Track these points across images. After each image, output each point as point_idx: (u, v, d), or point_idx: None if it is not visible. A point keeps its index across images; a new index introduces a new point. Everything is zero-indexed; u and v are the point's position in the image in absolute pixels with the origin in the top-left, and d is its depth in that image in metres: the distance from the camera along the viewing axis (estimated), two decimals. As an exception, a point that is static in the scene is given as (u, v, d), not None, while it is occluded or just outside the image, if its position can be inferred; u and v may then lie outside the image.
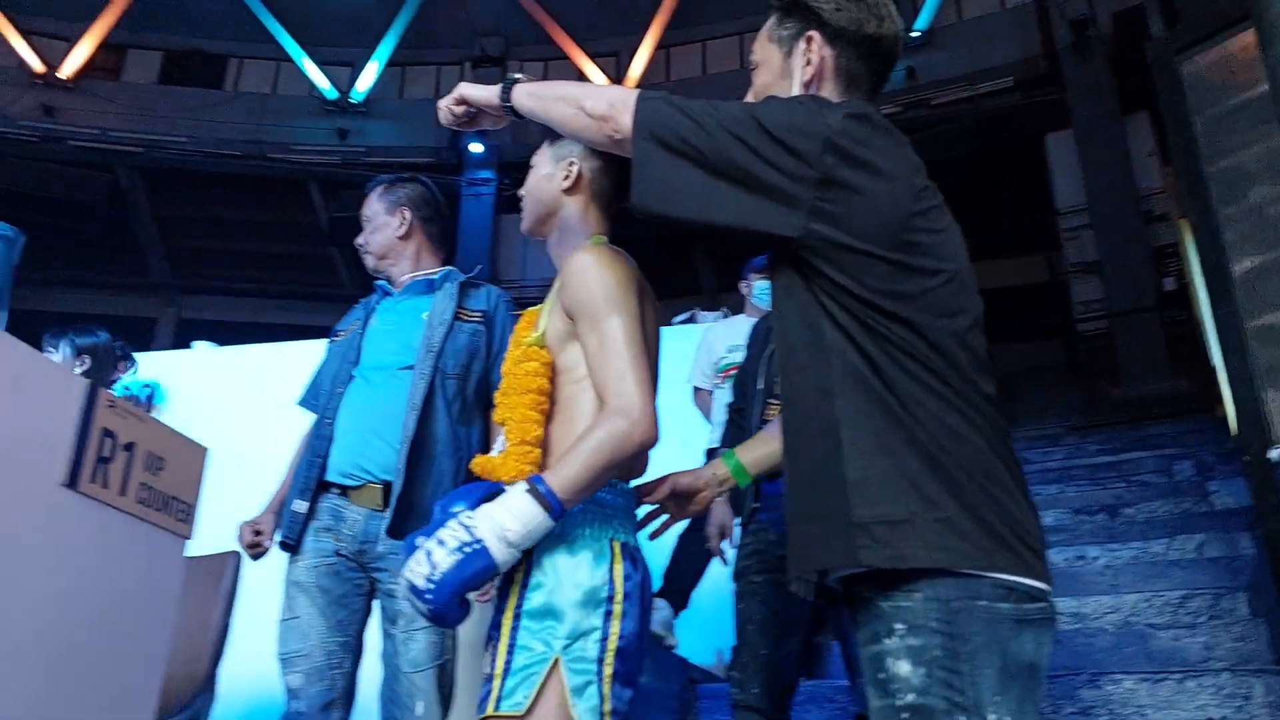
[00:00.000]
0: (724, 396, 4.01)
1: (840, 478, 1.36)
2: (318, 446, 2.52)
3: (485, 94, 1.76)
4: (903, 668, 1.31)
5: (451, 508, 1.55)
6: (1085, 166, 12.38)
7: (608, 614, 1.59)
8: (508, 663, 1.56)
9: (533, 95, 1.67)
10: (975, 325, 1.46)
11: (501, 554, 1.50)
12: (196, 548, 2.19)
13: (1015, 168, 13.60)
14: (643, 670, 3.38)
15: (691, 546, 4.04)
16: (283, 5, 15.58)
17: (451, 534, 1.50)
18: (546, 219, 1.95)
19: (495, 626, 1.63)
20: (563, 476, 1.53)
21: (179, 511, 1.92)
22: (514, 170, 15.02)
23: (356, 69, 15.86)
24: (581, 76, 15.70)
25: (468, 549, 1.48)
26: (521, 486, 1.53)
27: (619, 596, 1.61)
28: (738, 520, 3.03)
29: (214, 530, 2.57)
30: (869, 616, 1.37)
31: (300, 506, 2.48)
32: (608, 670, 1.57)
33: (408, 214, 2.70)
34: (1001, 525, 1.33)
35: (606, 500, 1.66)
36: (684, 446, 4.23)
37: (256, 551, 2.62)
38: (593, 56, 15.74)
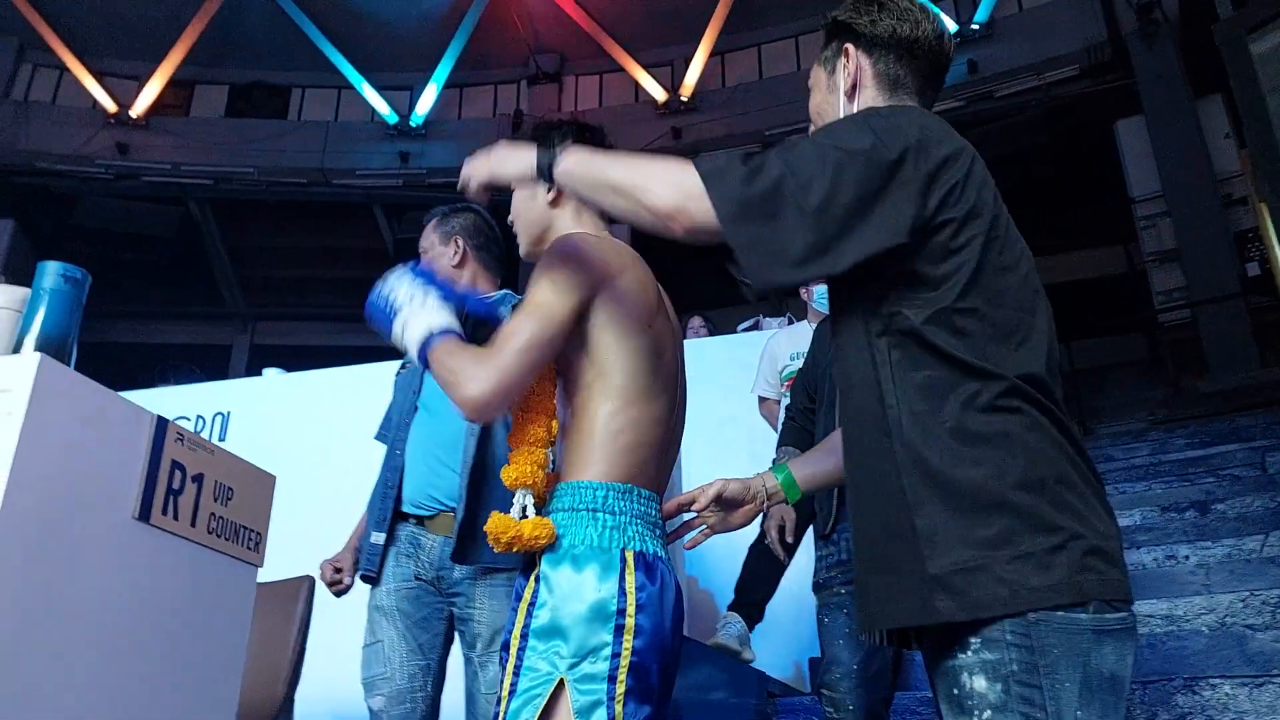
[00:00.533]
0: (791, 403, 3.95)
1: (909, 528, 1.32)
2: (390, 478, 2.58)
3: (519, 169, 1.61)
4: (979, 683, 1.27)
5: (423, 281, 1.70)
6: (1159, 152, 12.04)
7: (619, 628, 1.52)
8: (513, 685, 1.53)
9: (581, 181, 1.53)
10: (1050, 325, 1.42)
11: (396, 332, 1.66)
12: (270, 572, 2.20)
13: (1086, 157, 13.30)
14: (720, 684, 3.33)
15: (762, 556, 3.98)
16: (341, 34, 15.84)
17: (395, 291, 1.69)
18: (541, 238, 1.88)
19: (504, 647, 1.59)
20: (433, 349, 1.59)
21: (249, 540, 1.93)
22: (574, 184, 15.04)
23: (415, 93, 16.06)
24: (637, 88, 15.73)
25: (390, 309, 1.68)
26: (423, 333, 1.61)
27: (631, 609, 1.54)
28: (808, 532, 2.96)
29: (287, 554, 2.59)
30: (940, 631, 1.32)
31: (378, 539, 2.54)
32: (620, 689, 1.51)
33: (461, 243, 2.76)
34: (1080, 544, 1.28)
35: (618, 507, 1.60)
36: (753, 459, 4.17)
37: (338, 589, 2.67)
38: (647, 67, 15.73)
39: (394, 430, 2.67)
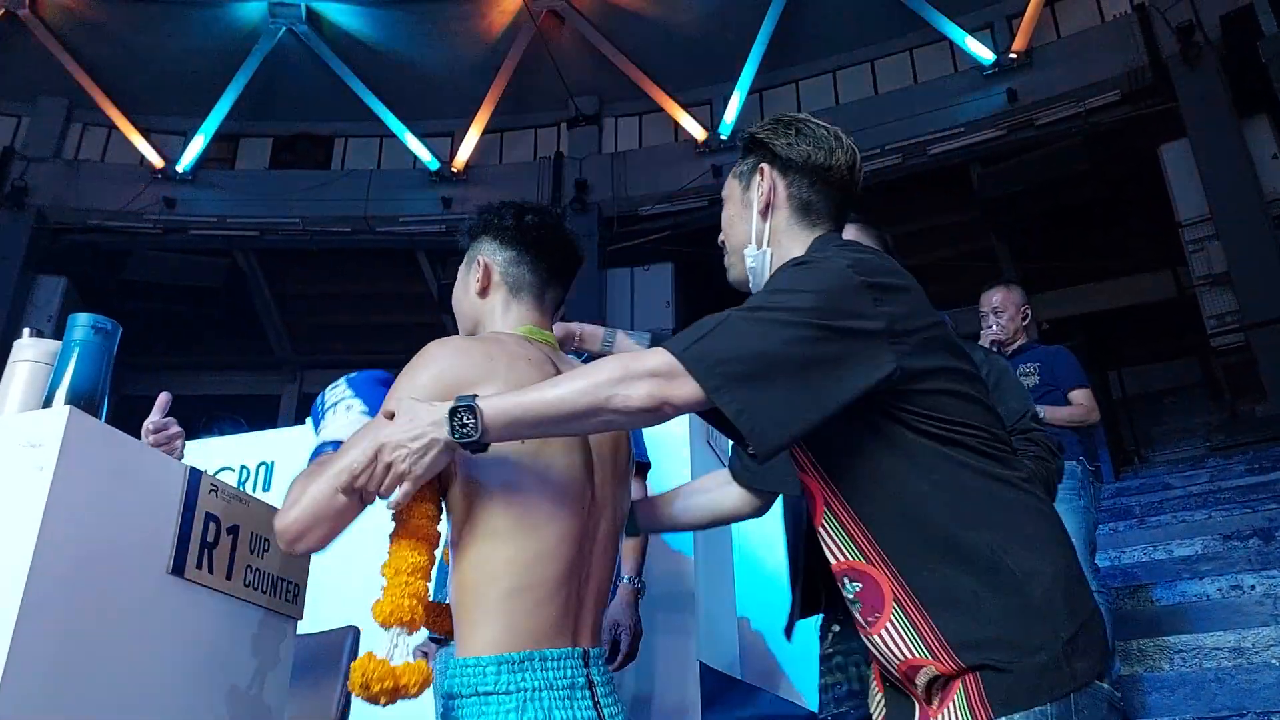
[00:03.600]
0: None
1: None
2: None
3: (430, 462, 1.38)
4: None
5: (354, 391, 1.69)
6: (1205, 175, 11.84)
7: None
8: None
9: (524, 425, 1.37)
10: None
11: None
12: (314, 623, 2.17)
13: (1131, 182, 13.09)
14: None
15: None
16: (382, 83, 16.09)
17: (327, 400, 1.72)
18: (475, 335, 1.73)
19: None
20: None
21: (287, 591, 1.90)
22: (615, 224, 15.10)
23: (456, 138, 16.24)
24: (676, 127, 15.78)
25: (320, 417, 1.67)
26: (314, 449, 1.57)
27: None
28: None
29: (332, 605, 2.56)
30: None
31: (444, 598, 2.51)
32: None
33: None
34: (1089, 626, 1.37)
35: (514, 684, 1.35)
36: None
37: None
38: (686, 106, 15.78)
39: None
